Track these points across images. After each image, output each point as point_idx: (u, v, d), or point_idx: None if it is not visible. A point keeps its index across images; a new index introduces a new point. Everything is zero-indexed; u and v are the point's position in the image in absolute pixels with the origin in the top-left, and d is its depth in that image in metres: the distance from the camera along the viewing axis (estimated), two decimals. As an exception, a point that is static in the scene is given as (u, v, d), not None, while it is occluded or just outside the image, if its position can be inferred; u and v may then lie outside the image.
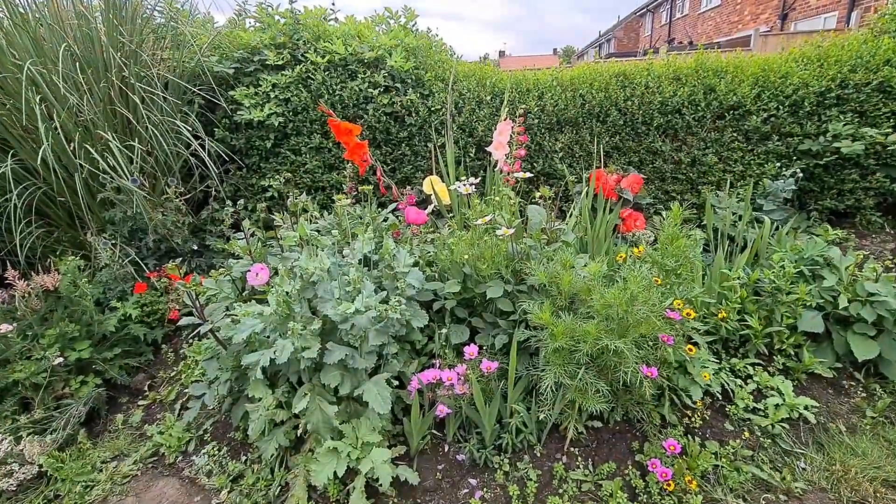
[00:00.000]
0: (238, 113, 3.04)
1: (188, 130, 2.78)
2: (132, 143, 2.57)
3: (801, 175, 2.81)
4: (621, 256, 2.02)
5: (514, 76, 3.14)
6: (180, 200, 2.79)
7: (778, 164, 2.97)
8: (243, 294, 1.90)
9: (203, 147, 2.86)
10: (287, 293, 1.49)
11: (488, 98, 3.06)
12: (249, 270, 1.50)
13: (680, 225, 1.75)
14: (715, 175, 3.06)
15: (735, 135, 3.00)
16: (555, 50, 47.85)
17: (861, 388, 1.97)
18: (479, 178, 2.66)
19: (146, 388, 2.38)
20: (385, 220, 2.16)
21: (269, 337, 1.58)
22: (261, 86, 3.04)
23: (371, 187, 1.93)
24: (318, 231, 1.94)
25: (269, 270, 1.48)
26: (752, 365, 2.01)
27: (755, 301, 2.06)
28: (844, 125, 2.82)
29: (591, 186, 2.46)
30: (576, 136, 3.08)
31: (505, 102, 2.13)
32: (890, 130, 2.80)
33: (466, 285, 1.81)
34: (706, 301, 1.90)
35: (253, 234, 1.94)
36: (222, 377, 1.75)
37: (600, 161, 3.09)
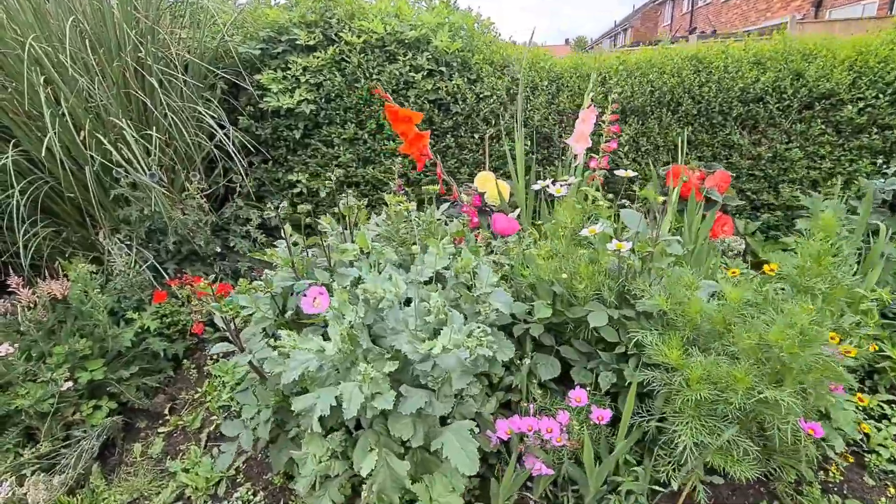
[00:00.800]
0: (265, 99, 2.72)
1: (211, 118, 2.47)
2: (149, 131, 2.27)
3: (906, 173, 2.47)
4: (734, 272, 1.70)
5: (572, 60, 2.80)
6: (202, 198, 2.49)
7: (873, 161, 2.62)
8: (284, 315, 1.60)
9: (227, 137, 2.56)
10: (351, 324, 1.18)
11: (544, 83, 2.72)
12: (305, 295, 1.19)
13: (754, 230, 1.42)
14: (798, 172, 2.71)
15: (824, 127, 2.64)
16: (567, 40, 46.96)
17: None
18: (551, 179, 2.32)
19: (167, 412, 2.09)
20: (444, 224, 1.84)
21: (322, 372, 1.28)
22: (290, 69, 2.73)
23: (436, 187, 1.61)
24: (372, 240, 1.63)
25: (327, 294, 1.18)
26: (888, 402, 1.68)
27: (889, 325, 1.74)
28: (956, 116, 2.47)
29: (677, 186, 2.13)
30: (642, 126, 2.74)
31: (591, 85, 1.81)
32: None
33: (556, 307, 1.50)
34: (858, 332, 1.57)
35: (296, 244, 1.63)
36: (262, 416, 1.46)
37: (672, 155, 2.75)
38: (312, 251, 1.81)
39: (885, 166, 2.57)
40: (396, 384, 1.24)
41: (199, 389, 2.17)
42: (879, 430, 1.60)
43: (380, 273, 1.35)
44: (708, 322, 1.29)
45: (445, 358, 1.14)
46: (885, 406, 1.67)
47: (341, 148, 2.85)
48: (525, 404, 1.42)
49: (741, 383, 1.13)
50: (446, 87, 2.72)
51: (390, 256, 1.38)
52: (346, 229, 1.74)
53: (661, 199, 1.46)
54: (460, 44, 2.69)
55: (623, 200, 1.77)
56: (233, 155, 2.51)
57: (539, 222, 1.77)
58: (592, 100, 1.78)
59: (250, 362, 1.42)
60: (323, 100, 2.78)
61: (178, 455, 1.87)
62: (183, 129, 2.33)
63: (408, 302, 1.37)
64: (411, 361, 1.21)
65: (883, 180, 2.48)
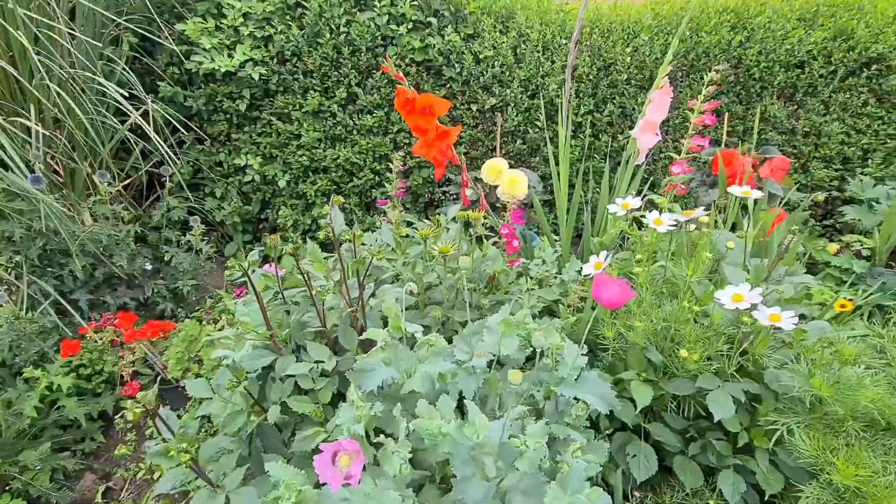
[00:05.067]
0: (193, 59, 2.02)
1: (119, 87, 1.78)
2: (25, 114, 1.56)
3: (959, 153, 2.22)
4: (843, 305, 1.36)
5: (589, 12, 2.26)
6: (119, 198, 1.84)
7: (914, 136, 2.36)
8: (262, 408, 1.10)
9: (146, 113, 1.88)
10: (395, 476, 0.72)
11: (561, 42, 2.19)
12: (321, 453, 0.70)
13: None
14: (832, 148, 2.41)
15: (868, 96, 2.33)
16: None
17: None
18: (636, 195, 1.83)
19: (97, 500, 1.57)
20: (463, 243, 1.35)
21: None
22: (225, 16, 2.02)
23: (477, 214, 1.12)
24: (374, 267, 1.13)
25: (361, 450, 0.69)
26: None
27: None
28: None
29: (722, 174, 1.74)
30: (673, 95, 2.30)
31: (671, 51, 1.33)
32: None
33: (648, 377, 1.10)
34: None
35: (266, 287, 1.10)
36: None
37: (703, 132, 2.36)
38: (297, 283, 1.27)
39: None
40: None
41: (143, 461, 1.65)
42: None
43: (411, 374, 0.87)
44: (880, 411, 0.93)
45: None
46: None
47: (303, 124, 2.22)
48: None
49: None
50: (437, 44, 2.13)
51: (440, 346, 0.90)
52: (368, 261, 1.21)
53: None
54: (453, -14, 2.08)
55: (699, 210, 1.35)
56: (151, 136, 1.85)
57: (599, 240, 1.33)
58: (711, 79, 1.30)
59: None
60: (275, 60, 2.11)
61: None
62: (75, 107, 1.63)
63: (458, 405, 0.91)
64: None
65: (929, 160, 2.22)
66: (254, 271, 1.13)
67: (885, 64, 2.27)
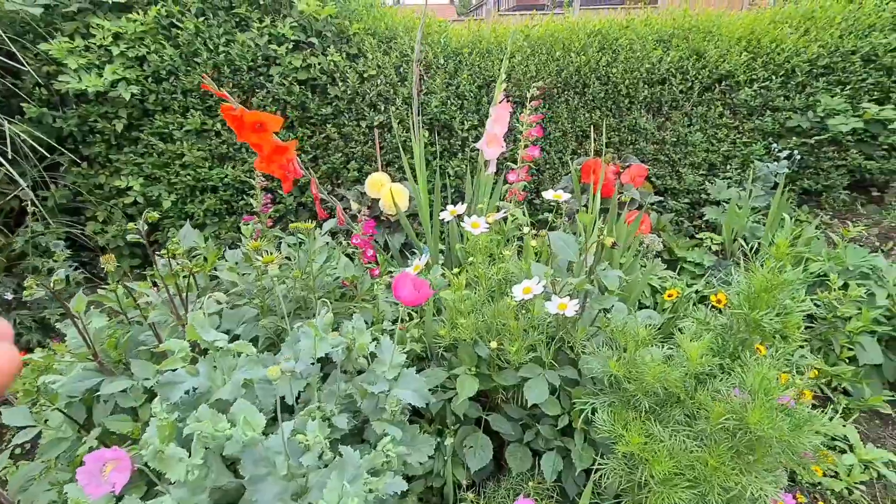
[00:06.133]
0: (60, 79, 1.96)
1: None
2: None
3: (797, 156, 2.50)
4: (672, 294, 1.49)
5: (470, 32, 2.40)
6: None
7: (765, 144, 2.64)
8: (87, 430, 1.06)
9: (2, 135, 1.79)
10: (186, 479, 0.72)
11: (441, 61, 2.30)
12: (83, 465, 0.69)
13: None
14: (698, 156, 2.65)
15: (723, 109, 2.59)
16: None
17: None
18: (464, 207, 1.92)
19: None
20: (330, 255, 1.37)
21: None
22: (94, 36, 1.98)
23: (313, 224, 1.15)
24: (224, 301, 1.13)
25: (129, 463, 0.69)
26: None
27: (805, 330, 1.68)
28: (834, 97, 2.54)
29: (591, 186, 1.88)
30: (548, 111, 2.46)
31: (502, 70, 1.43)
32: (875, 105, 2.57)
33: (480, 371, 1.16)
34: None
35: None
36: None
37: (580, 142, 2.53)
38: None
39: (776, 149, 2.59)
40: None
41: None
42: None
43: (225, 382, 0.88)
44: (663, 385, 1.04)
45: (334, 527, 0.74)
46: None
47: (185, 143, 2.19)
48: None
49: (715, 472, 0.89)
50: (320, 63, 2.18)
51: (245, 350, 0.91)
52: (185, 276, 1.20)
53: (589, 217, 1.17)
54: (334, 8, 2.15)
55: (547, 216, 1.45)
56: (13, 160, 1.76)
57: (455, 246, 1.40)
58: (537, 87, 1.41)
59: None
60: (150, 80, 2.08)
61: None
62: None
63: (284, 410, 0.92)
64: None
65: (775, 163, 2.49)
66: (71, 294, 1.11)
67: (733, 80, 2.54)
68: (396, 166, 2.41)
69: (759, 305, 1.16)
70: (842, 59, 2.53)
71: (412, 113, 1.71)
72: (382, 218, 2.05)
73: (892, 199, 2.80)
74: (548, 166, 2.54)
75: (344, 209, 2.17)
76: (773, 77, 2.52)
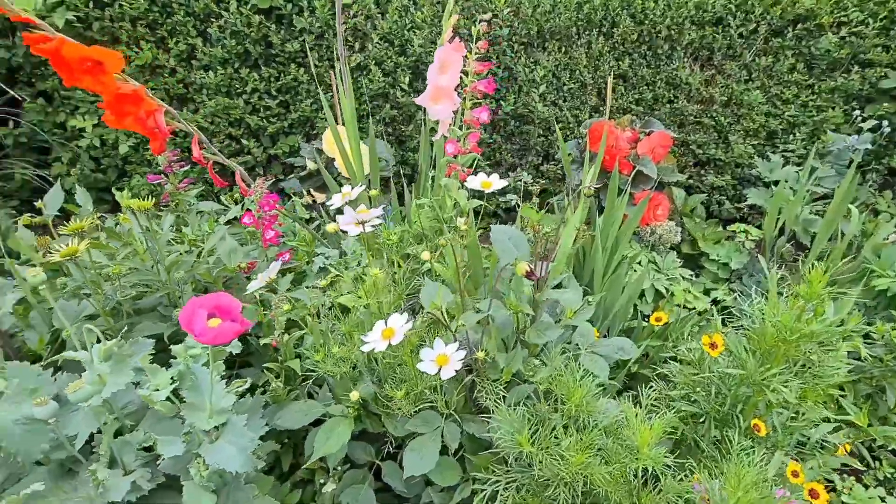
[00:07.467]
0: (-10, 1, 1.72)
1: None
2: None
3: (887, 128, 1.93)
4: (658, 319, 1.13)
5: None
6: None
7: (846, 110, 2.06)
8: None
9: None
10: None
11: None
12: None
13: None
14: (755, 120, 2.12)
15: (795, 61, 2.02)
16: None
17: None
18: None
19: None
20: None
21: None
22: (26, -51, 1.70)
23: (151, 202, 0.88)
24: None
25: None
26: (839, 472, 1.27)
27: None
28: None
29: (600, 154, 1.48)
30: (565, 56, 2.00)
31: (450, 4, 1.05)
32: None
33: (368, 409, 0.89)
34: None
35: None
36: None
37: (604, 98, 2.07)
38: None
39: (859, 116, 2.01)
40: None
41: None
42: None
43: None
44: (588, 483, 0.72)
45: None
46: (837, 477, 1.26)
47: (139, 80, 1.93)
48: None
49: None
50: (285, -12, 1.82)
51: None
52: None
53: (538, 215, 0.82)
54: (301, -83, 1.75)
55: (511, 198, 1.13)
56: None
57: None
58: (480, 20, 1.02)
59: None
60: (91, 4, 1.81)
61: None
62: None
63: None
64: None
65: (855, 136, 1.94)
66: None
67: (814, 22, 1.95)
68: (377, 117, 2.07)
69: (768, 360, 0.81)
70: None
71: (338, 43, 1.36)
72: (338, 179, 1.75)
73: None
74: (560, 125, 2.11)
75: (302, 169, 1.88)
76: (871, 20, 1.90)
